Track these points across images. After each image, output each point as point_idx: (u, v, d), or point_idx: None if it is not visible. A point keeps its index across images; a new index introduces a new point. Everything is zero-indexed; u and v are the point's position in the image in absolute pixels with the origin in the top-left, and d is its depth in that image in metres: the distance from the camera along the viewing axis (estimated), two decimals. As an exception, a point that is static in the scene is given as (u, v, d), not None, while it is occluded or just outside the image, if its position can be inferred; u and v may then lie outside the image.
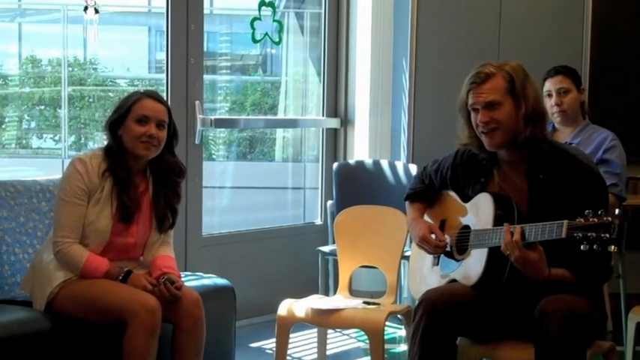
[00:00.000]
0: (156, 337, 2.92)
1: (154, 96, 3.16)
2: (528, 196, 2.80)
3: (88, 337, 3.00)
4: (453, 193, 3.05)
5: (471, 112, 2.83)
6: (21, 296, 3.23)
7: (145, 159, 3.13)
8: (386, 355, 3.42)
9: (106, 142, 3.18)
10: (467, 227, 2.92)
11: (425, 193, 3.16)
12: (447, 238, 2.99)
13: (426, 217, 3.13)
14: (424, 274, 3.08)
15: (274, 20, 4.79)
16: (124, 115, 3.10)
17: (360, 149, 4.99)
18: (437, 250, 2.99)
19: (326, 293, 4.44)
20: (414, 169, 4.54)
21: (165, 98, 3.23)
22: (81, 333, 2.99)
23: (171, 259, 3.22)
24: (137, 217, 3.14)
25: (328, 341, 3.87)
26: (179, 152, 3.47)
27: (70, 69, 7.02)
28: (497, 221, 2.76)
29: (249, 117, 5.61)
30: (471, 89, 2.80)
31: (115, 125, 3.12)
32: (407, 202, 3.21)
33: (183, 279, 3.19)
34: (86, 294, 3.00)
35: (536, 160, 2.81)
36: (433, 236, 3.00)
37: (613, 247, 2.50)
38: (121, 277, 3.03)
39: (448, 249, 2.98)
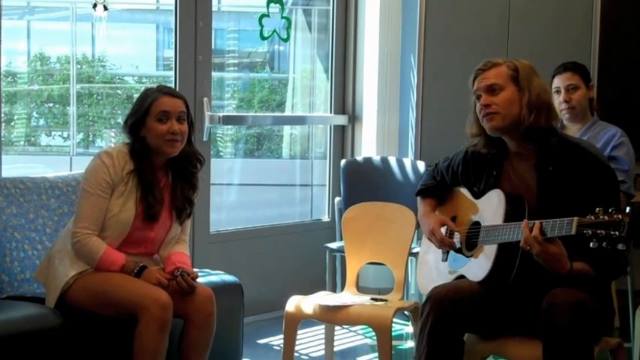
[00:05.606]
0: (166, 332, 2.93)
1: (169, 92, 3.16)
2: (537, 189, 2.81)
3: (99, 333, 3.02)
4: (464, 190, 3.06)
5: (476, 101, 2.85)
6: (31, 292, 3.25)
7: (171, 155, 3.14)
8: (393, 352, 3.42)
9: (127, 141, 3.15)
10: (477, 224, 2.92)
11: (436, 189, 3.17)
12: (457, 235, 2.99)
13: (437, 214, 3.13)
14: (432, 269, 3.09)
15: (282, 17, 4.79)
16: (144, 116, 3.09)
17: (368, 146, 4.99)
18: (442, 244, 2.99)
19: (333, 290, 4.44)
20: (421, 166, 4.54)
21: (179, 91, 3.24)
22: (91, 329, 3.01)
23: (186, 256, 3.23)
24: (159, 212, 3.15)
25: (336, 338, 3.88)
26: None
27: (79, 66, 7.03)
28: (508, 218, 2.77)
29: (257, 114, 5.61)
30: (476, 76, 2.86)
31: (135, 127, 3.11)
32: (418, 198, 3.22)
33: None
34: (99, 287, 3.01)
35: (546, 153, 2.81)
36: (443, 230, 3.00)
37: (622, 245, 2.49)
38: (135, 272, 3.05)
39: (458, 245, 2.98)
